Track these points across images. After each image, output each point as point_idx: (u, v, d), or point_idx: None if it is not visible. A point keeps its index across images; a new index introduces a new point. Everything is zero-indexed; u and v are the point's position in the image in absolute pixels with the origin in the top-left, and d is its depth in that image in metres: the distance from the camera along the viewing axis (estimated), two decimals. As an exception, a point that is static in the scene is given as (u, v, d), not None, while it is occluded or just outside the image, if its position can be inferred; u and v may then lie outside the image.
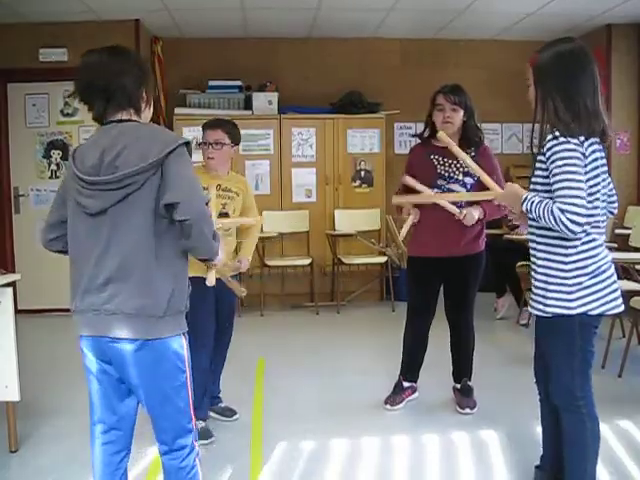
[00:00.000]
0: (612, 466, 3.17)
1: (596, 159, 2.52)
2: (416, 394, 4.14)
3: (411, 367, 4.10)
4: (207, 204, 2.20)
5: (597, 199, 2.55)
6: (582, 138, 2.47)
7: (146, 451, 3.35)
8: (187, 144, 2.16)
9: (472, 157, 3.75)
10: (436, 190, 3.79)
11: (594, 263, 2.53)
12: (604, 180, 2.60)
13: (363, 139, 7.48)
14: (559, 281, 2.55)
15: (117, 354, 2.15)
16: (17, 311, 3.72)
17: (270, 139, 7.35)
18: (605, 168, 2.60)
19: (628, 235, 5.76)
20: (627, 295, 4.56)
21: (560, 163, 2.44)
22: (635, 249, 5.49)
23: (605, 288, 2.56)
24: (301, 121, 7.43)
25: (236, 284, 3.24)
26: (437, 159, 3.85)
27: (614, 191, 2.76)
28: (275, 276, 7.25)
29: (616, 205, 2.80)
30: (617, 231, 6.00)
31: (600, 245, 2.57)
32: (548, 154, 2.49)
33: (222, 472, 3.23)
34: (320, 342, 5.81)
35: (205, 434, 3.50)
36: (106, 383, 2.23)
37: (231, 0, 6.39)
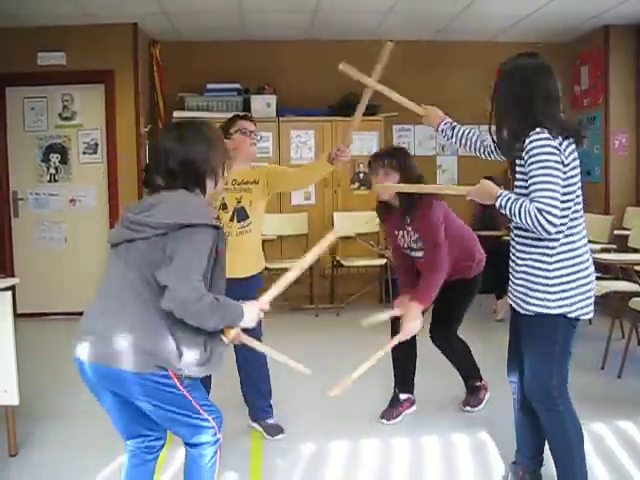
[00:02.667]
0: (611, 466, 3.17)
1: (575, 159, 2.56)
2: (414, 407, 4.01)
3: (405, 378, 3.99)
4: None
5: (578, 203, 2.59)
6: (560, 139, 2.51)
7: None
8: (216, 228, 2.21)
9: (408, 224, 3.71)
10: (408, 251, 3.83)
11: (574, 265, 2.56)
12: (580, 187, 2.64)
13: (362, 141, 7.47)
14: (542, 281, 2.58)
15: (112, 379, 2.19)
16: (16, 315, 3.73)
17: (269, 142, 7.35)
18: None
19: (627, 236, 5.76)
20: (626, 296, 4.58)
21: (539, 163, 2.48)
22: (634, 250, 5.50)
23: (583, 293, 2.58)
24: (300, 124, 7.44)
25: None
26: (397, 232, 3.82)
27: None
28: (274, 278, 7.22)
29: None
30: (616, 232, 6.00)
31: (580, 247, 2.58)
32: (529, 153, 2.52)
33: (222, 476, 3.22)
34: (320, 345, 5.80)
35: (277, 429, 3.70)
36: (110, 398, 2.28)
37: (229, 3, 6.39)
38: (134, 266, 2.17)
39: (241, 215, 3.60)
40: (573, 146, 2.56)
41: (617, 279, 5.41)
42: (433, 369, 4.17)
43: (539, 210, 2.44)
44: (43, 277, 7.09)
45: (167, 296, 2.06)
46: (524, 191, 2.59)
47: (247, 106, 7.36)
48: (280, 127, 7.39)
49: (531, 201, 2.48)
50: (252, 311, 2.34)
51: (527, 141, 2.52)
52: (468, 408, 3.94)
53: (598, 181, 7.58)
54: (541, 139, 2.49)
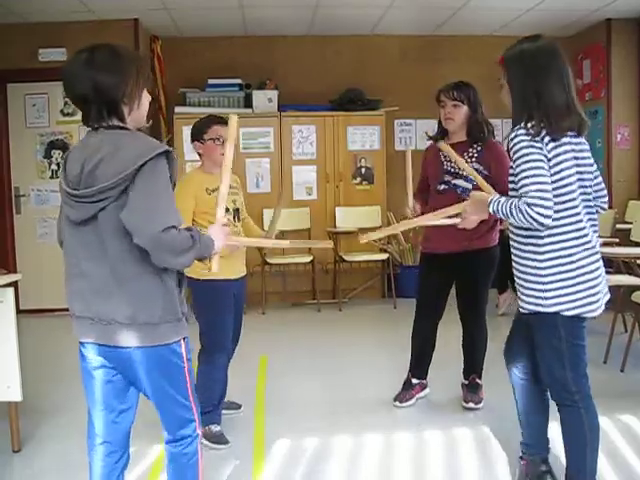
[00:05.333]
0: (615, 460, 3.17)
1: (567, 160, 2.53)
2: (427, 390, 4.13)
3: (419, 365, 4.08)
4: (174, 228, 2.07)
5: (573, 199, 2.54)
6: (547, 139, 2.49)
7: (148, 450, 3.35)
8: (167, 152, 2.09)
9: (478, 152, 3.80)
10: (443, 186, 3.84)
11: (570, 263, 2.52)
12: (582, 180, 2.59)
13: (363, 136, 7.47)
14: (534, 279, 2.57)
15: (118, 359, 2.18)
16: (19, 311, 3.72)
17: (270, 137, 7.35)
18: (587, 162, 2.62)
19: (629, 230, 5.75)
20: (628, 290, 4.57)
21: (523, 158, 2.49)
22: (636, 244, 5.49)
23: (583, 290, 2.53)
24: (301, 119, 7.43)
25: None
26: (445, 156, 3.85)
27: (602, 185, 2.77)
28: (276, 274, 7.25)
29: (605, 200, 2.78)
30: (618, 226, 5.99)
31: (578, 245, 2.53)
32: (512, 150, 2.54)
33: (225, 470, 3.23)
34: (322, 339, 5.81)
35: (221, 439, 3.49)
36: (105, 383, 2.24)
37: (230, -2, 6.39)
38: (114, 233, 2.07)
39: (238, 216, 3.66)
40: (566, 147, 2.53)
41: (619, 273, 5.41)
42: (438, 364, 4.17)
43: (529, 205, 2.44)
44: (45, 273, 7.09)
45: (135, 234, 1.99)
46: (514, 186, 2.60)
47: (248, 101, 7.36)
48: (282, 122, 7.38)
49: (520, 197, 2.49)
50: (218, 233, 2.28)
51: (509, 139, 2.56)
52: (472, 405, 3.93)
53: (600, 175, 7.57)
54: (520, 134, 2.51)
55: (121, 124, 2.16)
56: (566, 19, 7.26)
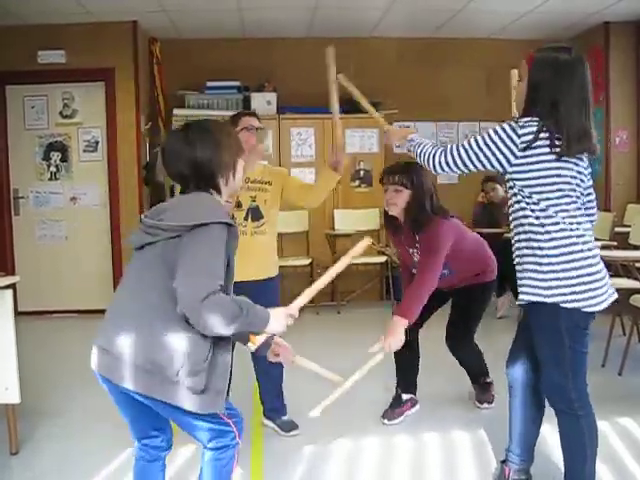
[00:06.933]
0: (613, 464, 3.16)
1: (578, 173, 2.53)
2: (417, 407, 3.97)
3: (408, 378, 3.96)
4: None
5: (574, 202, 2.55)
6: (546, 136, 2.46)
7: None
8: (229, 225, 2.13)
9: (417, 241, 3.61)
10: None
11: (570, 253, 2.49)
12: (582, 192, 2.59)
13: (362, 139, 7.47)
14: (534, 267, 2.55)
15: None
16: (17, 313, 3.72)
17: (269, 139, 7.34)
18: (586, 179, 2.62)
19: (628, 233, 5.76)
20: (626, 293, 4.57)
21: (493, 133, 2.52)
22: (634, 247, 5.49)
23: (581, 284, 2.49)
24: (300, 121, 7.44)
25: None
26: (415, 246, 3.66)
27: (593, 204, 2.73)
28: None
29: (594, 218, 2.74)
30: (616, 229, 5.99)
31: (578, 242, 2.52)
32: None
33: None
34: (320, 342, 5.80)
35: (292, 425, 3.69)
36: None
37: (228, 1, 6.39)
38: (151, 265, 2.14)
39: (256, 214, 3.56)
40: (571, 164, 2.51)
41: (618, 276, 5.41)
42: (434, 368, 4.17)
43: (444, 149, 2.55)
44: (44, 275, 7.09)
45: (178, 299, 1.99)
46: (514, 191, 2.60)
47: (247, 104, 7.37)
48: (280, 124, 7.39)
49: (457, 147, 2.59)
50: (279, 317, 2.23)
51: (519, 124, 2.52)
52: (486, 405, 3.96)
53: (599, 178, 7.57)
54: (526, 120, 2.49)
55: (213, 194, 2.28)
56: (565, 22, 7.27)
